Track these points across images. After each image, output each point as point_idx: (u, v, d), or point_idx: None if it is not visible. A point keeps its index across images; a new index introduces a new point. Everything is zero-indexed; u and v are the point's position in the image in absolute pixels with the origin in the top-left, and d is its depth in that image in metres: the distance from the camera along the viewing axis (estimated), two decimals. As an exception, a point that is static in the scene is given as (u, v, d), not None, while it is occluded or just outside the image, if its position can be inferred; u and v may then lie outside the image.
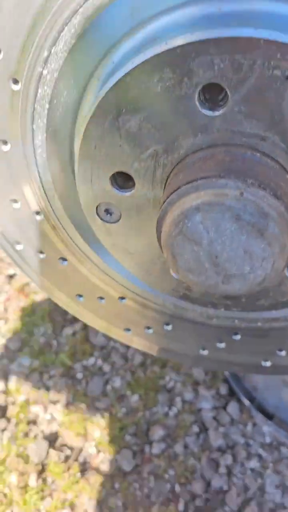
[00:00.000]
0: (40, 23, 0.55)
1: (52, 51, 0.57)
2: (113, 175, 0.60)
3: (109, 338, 1.60)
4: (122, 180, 0.63)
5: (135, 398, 1.45)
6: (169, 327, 0.85)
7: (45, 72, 0.59)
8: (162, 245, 0.53)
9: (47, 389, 1.45)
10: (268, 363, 0.86)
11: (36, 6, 0.54)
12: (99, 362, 1.54)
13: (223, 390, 1.45)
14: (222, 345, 0.85)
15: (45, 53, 0.57)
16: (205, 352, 0.89)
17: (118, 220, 0.65)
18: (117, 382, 1.48)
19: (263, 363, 0.86)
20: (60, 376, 1.48)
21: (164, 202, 0.53)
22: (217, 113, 0.51)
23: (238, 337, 0.83)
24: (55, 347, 1.58)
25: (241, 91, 0.49)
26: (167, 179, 0.58)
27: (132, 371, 1.51)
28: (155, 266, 0.69)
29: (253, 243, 0.47)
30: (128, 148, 0.57)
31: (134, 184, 0.61)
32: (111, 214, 0.64)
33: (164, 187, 0.59)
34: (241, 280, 0.51)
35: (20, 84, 0.60)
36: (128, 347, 1.60)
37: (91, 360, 1.54)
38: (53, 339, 1.59)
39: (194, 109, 0.52)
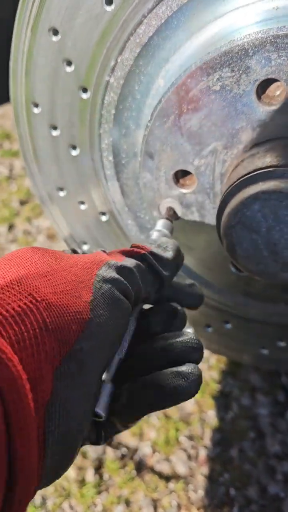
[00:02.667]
0: (108, 36, 0.61)
1: (119, 60, 0.62)
2: (175, 173, 0.64)
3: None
4: (183, 178, 0.66)
5: (191, 401, 1.46)
6: (229, 326, 0.87)
7: (111, 80, 0.64)
8: (222, 235, 0.56)
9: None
10: None
11: (104, 21, 0.60)
12: (155, 365, 1.57)
13: (281, 397, 1.42)
14: (283, 343, 0.86)
15: (112, 63, 0.63)
16: (265, 351, 0.89)
17: (179, 217, 0.68)
18: (172, 385, 1.50)
19: None
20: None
21: (223, 194, 0.56)
22: (274, 107, 0.54)
23: (297, 335, 0.83)
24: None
25: (298, 86, 0.51)
26: (226, 174, 0.61)
27: (187, 375, 1.53)
28: (215, 261, 0.72)
29: (311, 230, 0.49)
30: (189, 146, 0.61)
31: (194, 181, 0.64)
32: (173, 212, 0.68)
33: (223, 182, 0.62)
34: (299, 268, 0.52)
35: (88, 92, 0.66)
36: (183, 351, 1.61)
37: (147, 363, 1.57)
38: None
39: (252, 105, 0.55)
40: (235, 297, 0.78)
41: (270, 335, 0.84)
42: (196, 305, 0.52)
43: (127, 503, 1.27)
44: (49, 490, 1.32)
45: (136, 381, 0.42)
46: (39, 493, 1.32)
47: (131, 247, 0.51)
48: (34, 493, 0.32)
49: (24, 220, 2.17)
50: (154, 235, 0.59)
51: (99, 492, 1.29)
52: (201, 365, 1.55)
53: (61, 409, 0.32)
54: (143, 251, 0.48)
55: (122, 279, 0.40)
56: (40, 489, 0.35)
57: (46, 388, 0.31)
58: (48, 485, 0.36)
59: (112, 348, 0.38)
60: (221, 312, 0.84)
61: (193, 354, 0.45)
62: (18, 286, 0.34)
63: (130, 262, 0.44)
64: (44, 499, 1.31)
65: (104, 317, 0.36)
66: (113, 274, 0.40)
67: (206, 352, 1.57)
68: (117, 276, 0.40)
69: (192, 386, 0.41)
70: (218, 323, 0.86)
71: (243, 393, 1.44)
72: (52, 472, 0.34)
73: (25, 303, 0.32)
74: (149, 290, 0.47)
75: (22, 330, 0.31)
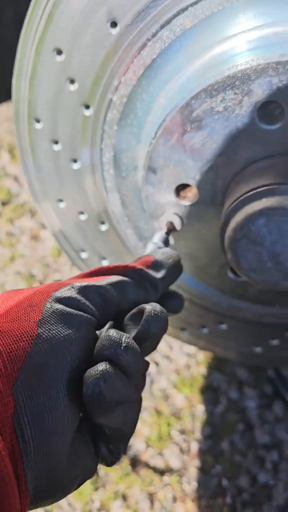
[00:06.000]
0: (112, 57, 0.63)
1: (122, 80, 0.64)
2: (177, 186, 0.67)
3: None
4: (183, 190, 0.69)
5: (180, 396, 1.50)
6: (223, 326, 0.91)
7: (114, 98, 0.66)
8: (226, 248, 0.60)
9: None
10: None
11: (109, 43, 0.62)
12: (144, 363, 1.60)
13: (268, 390, 1.49)
14: (275, 342, 0.90)
15: (116, 82, 0.65)
16: (258, 349, 0.94)
17: (180, 228, 0.71)
18: (162, 382, 1.54)
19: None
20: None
21: (227, 209, 0.59)
22: (274, 127, 0.58)
23: (289, 333, 0.88)
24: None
25: (297, 108, 0.55)
26: (227, 188, 0.64)
27: (177, 372, 1.57)
28: (213, 268, 0.76)
29: (312, 244, 0.53)
30: (192, 162, 0.64)
31: (195, 194, 0.68)
32: (172, 225, 0.71)
33: (224, 196, 0.65)
34: (300, 277, 0.57)
35: (91, 109, 0.68)
36: (171, 349, 1.66)
37: (137, 361, 1.61)
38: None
39: (253, 125, 0.58)
40: (231, 301, 0.82)
41: (263, 334, 0.89)
42: (179, 309, 0.56)
43: (124, 497, 1.31)
44: (45, 490, 1.34)
45: None
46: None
47: (138, 259, 0.54)
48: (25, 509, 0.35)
49: (6, 221, 2.16)
50: (150, 247, 0.62)
51: (96, 489, 1.33)
52: (189, 361, 1.60)
53: (30, 417, 0.36)
54: (132, 267, 0.51)
55: (79, 297, 0.44)
56: (41, 506, 0.38)
57: (7, 402, 0.35)
58: (46, 501, 0.38)
59: (69, 355, 0.40)
60: (216, 314, 0.88)
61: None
62: None
63: (107, 281, 0.47)
64: (41, 500, 1.33)
65: (54, 331, 0.40)
66: (68, 293, 0.44)
67: (193, 348, 1.62)
68: (73, 295, 0.44)
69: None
70: (213, 324, 0.90)
71: (231, 387, 1.50)
72: (40, 483, 0.37)
73: None
74: (141, 298, 0.50)
75: None
